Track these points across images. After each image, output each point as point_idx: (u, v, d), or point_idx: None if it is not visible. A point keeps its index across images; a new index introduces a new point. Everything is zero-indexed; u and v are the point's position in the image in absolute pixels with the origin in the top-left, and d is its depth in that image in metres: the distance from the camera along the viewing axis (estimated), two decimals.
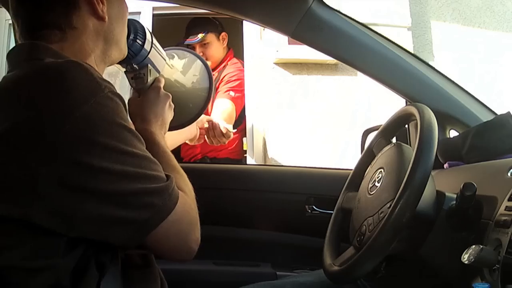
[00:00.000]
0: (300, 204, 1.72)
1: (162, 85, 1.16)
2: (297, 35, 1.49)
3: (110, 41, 0.98)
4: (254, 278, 1.26)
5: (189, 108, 1.34)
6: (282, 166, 1.99)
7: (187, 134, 1.66)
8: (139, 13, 3.25)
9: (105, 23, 0.95)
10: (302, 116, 3.43)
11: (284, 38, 3.12)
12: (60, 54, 0.88)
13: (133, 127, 0.86)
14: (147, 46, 1.12)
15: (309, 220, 1.71)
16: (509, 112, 1.39)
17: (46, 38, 0.89)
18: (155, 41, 1.16)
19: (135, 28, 1.11)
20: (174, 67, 1.31)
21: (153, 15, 3.30)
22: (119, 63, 1.11)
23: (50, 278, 0.78)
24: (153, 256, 0.98)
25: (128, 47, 1.07)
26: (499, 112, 1.45)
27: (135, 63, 1.13)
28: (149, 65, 1.14)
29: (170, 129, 1.17)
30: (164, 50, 1.24)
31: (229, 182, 1.80)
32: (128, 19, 1.08)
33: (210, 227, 1.76)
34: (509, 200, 0.95)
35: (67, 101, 0.76)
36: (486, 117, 1.46)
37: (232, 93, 2.85)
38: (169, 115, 1.14)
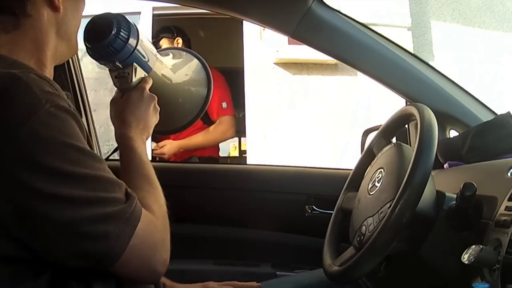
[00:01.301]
0: (300, 204, 1.72)
1: (148, 86, 1.07)
2: (297, 35, 1.49)
3: (62, 35, 0.91)
4: (254, 278, 1.26)
5: (185, 111, 1.24)
6: (282, 166, 1.98)
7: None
8: (139, 13, 3.25)
9: (60, 14, 0.89)
10: (302, 116, 3.43)
11: (284, 38, 3.12)
12: (7, 59, 0.82)
13: (83, 143, 0.77)
14: (132, 42, 1.02)
15: (309, 220, 1.71)
16: (509, 112, 1.39)
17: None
18: (142, 37, 1.07)
19: (118, 22, 1.01)
20: (168, 66, 1.21)
21: (153, 15, 3.31)
22: (100, 60, 1.03)
23: None
24: None
25: (109, 43, 0.99)
26: (499, 112, 1.45)
27: (118, 61, 1.03)
28: (134, 63, 1.05)
29: (163, 133, 1.12)
30: (159, 51, 1.15)
31: (229, 182, 1.80)
32: (110, 13, 1.02)
33: (210, 227, 1.77)
34: (509, 200, 0.95)
35: (5, 123, 0.71)
36: (486, 117, 1.46)
37: (224, 105, 2.91)
38: (153, 118, 1.05)
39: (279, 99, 3.45)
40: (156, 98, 1.07)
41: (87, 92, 1.91)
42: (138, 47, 1.04)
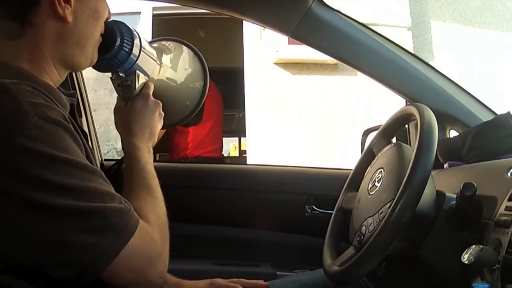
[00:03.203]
0: (300, 204, 1.72)
1: (151, 91, 1.05)
2: (297, 35, 1.49)
3: (73, 46, 0.90)
4: (254, 278, 1.26)
5: (184, 104, 1.22)
6: (282, 166, 1.99)
7: None
8: (139, 13, 3.26)
9: (68, 24, 0.87)
10: (302, 116, 3.43)
11: (284, 38, 3.13)
12: (9, 66, 0.82)
13: (74, 155, 0.77)
14: (135, 52, 1.00)
15: (309, 220, 1.71)
16: (509, 112, 1.39)
17: (4, 32, 0.85)
18: (144, 43, 1.04)
19: (121, 33, 0.98)
20: (165, 64, 1.17)
21: (153, 15, 3.31)
22: (103, 71, 1.02)
23: None
24: None
25: (113, 56, 0.98)
26: (499, 112, 1.45)
27: (122, 71, 1.02)
28: (137, 71, 1.03)
29: (163, 128, 1.12)
30: (150, 45, 1.10)
31: (229, 182, 1.80)
32: (112, 21, 0.98)
33: (210, 227, 1.77)
34: (509, 200, 0.95)
35: None
36: (486, 117, 1.46)
37: None
38: (158, 125, 1.05)
39: (279, 99, 3.45)
40: (161, 104, 1.06)
41: (87, 92, 1.91)
42: (140, 55, 1.02)
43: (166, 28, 3.29)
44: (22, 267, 0.76)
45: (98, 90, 3.25)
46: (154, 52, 1.09)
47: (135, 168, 0.94)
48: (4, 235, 0.73)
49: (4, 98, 0.73)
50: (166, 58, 1.19)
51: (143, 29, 3.21)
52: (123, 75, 1.02)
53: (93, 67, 0.99)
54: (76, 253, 0.73)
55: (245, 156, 3.51)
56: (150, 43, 1.15)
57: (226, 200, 1.76)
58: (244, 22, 3.26)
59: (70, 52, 0.90)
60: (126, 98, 1.04)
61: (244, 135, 3.48)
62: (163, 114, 1.06)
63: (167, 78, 1.18)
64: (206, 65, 1.23)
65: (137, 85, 1.03)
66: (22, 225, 0.72)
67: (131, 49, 0.99)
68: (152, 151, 1.01)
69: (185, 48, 1.23)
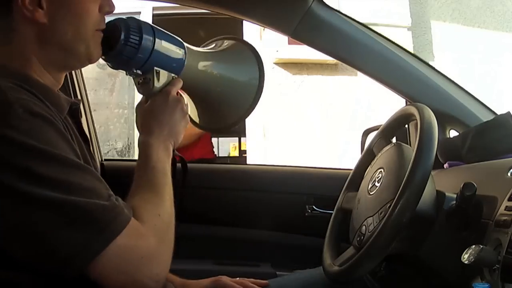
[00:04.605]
0: (300, 204, 1.73)
1: (175, 88, 1.00)
2: (297, 35, 1.49)
3: (56, 47, 0.89)
4: (254, 278, 1.26)
5: (235, 105, 1.14)
6: (282, 166, 1.99)
7: None
8: (139, 13, 3.26)
9: (45, 26, 0.87)
10: (302, 116, 3.43)
11: (284, 38, 3.13)
12: (6, 68, 0.84)
13: (58, 149, 0.77)
14: (145, 46, 0.94)
15: (309, 220, 1.71)
16: (509, 112, 1.39)
17: None
18: (162, 36, 0.99)
19: (126, 27, 0.94)
20: (208, 58, 1.11)
21: (153, 15, 3.31)
22: (119, 69, 1.00)
23: None
24: None
25: (119, 52, 0.93)
26: (499, 112, 1.45)
27: (136, 68, 0.97)
28: (155, 67, 0.97)
29: (212, 131, 1.06)
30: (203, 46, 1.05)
31: (229, 182, 1.80)
32: (120, 18, 0.96)
33: (210, 227, 1.77)
34: (509, 200, 0.95)
35: None
36: (486, 117, 1.46)
37: None
38: (180, 123, 0.99)
39: (279, 99, 3.45)
40: (184, 100, 1.00)
41: (87, 92, 1.91)
42: (156, 49, 0.96)
43: (166, 28, 3.29)
44: (10, 265, 0.75)
45: (98, 90, 3.25)
46: (181, 45, 1.03)
47: (143, 166, 0.91)
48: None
49: None
50: (212, 52, 1.14)
51: None
52: (140, 72, 0.97)
53: (107, 64, 0.98)
54: (56, 246, 0.73)
55: (245, 156, 3.51)
56: (209, 43, 1.11)
57: (226, 200, 1.76)
58: (244, 22, 3.26)
59: (57, 54, 0.89)
60: (146, 96, 1.00)
61: (244, 135, 3.48)
62: (186, 111, 1.01)
63: (210, 72, 1.11)
64: (261, 60, 1.17)
65: (155, 82, 0.97)
66: (2, 212, 0.72)
67: (139, 44, 0.94)
68: (170, 149, 0.97)
69: (238, 44, 1.18)
